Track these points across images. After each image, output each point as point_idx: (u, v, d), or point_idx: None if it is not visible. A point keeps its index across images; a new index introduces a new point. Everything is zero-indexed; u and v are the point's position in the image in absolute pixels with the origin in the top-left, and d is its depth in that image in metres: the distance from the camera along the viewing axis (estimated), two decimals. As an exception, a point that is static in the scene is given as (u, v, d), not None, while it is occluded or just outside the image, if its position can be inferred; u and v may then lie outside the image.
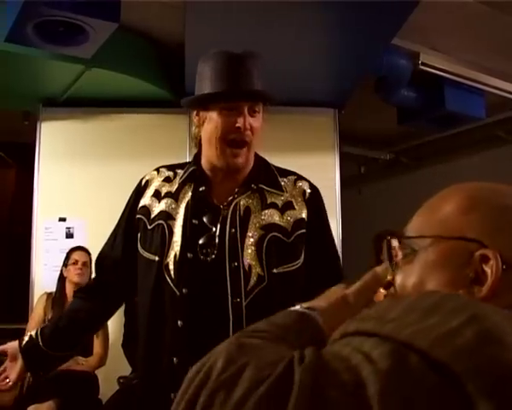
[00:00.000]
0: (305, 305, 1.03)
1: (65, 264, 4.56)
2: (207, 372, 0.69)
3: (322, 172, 5.29)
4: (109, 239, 2.12)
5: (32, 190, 5.20)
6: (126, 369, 4.62)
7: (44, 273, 5.05)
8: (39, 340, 2.02)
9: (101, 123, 5.29)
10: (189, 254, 1.86)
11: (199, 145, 2.00)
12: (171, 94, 5.06)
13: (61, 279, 4.59)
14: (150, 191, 2.01)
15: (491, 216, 0.90)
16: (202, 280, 1.85)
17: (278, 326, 0.89)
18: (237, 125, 1.84)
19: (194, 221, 1.89)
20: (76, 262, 4.54)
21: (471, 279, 0.87)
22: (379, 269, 1.12)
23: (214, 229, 1.87)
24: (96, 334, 4.46)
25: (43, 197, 5.19)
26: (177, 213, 1.91)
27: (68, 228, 5.17)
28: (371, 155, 7.99)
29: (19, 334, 4.70)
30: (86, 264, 4.54)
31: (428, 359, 0.62)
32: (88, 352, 4.43)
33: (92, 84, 4.85)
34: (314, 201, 1.99)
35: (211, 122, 1.88)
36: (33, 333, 2.05)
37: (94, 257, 4.48)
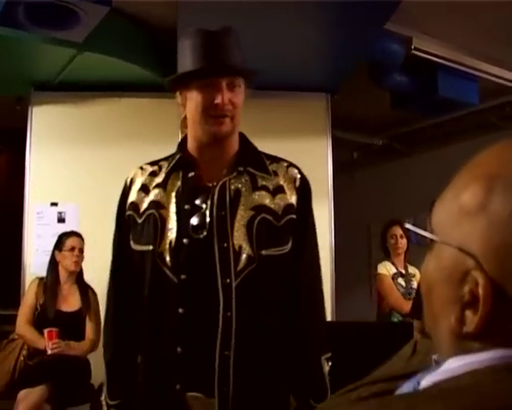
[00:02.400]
0: None
1: (59, 248, 4.51)
2: None
3: (315, 157, 5.29)
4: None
5: (24, 175, 5.18)
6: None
7: (36, 258, 5.05)
8: None
9: (93, 107, 5.26)
10: (184, 240, 1.84)
11: (186, 126, 2.00)
12: (163, 78, 5.03)
13: (54, 263, 4.54)
14: (136, 187, 1.99)
15: (501, 225, 0.75)
16: (197, 263, 1.84)
17: None
18: (216, 101, 1.84)
19: (186, 207, 1.88)
20: (73, 249, 4.49)
21: (466, 302, 0.77)
22: None
23: (205, 206, 1.87)
24: (89, 319, 4.47)
25: (35, 182, 5.18)
26: (168, 201, 1.90)
27: (60, 213, 5.16)
28: (364, 141, 7.98)
29: (10, 320, 4.72)
30: (82, 250, 4.52)
31: None
32: (80, 336, 4.43)
33: (84, 68, 4.83)
34: (304, 190, 1.98)
35: (192, 101, 1.90)
36: None
37: (86, 242, 4.54)
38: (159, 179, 1.96)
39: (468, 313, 0.77)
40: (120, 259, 2.03)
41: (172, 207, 1.89)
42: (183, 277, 1.82)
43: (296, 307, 1.92)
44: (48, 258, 4.60)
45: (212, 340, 1.78)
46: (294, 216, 1.91)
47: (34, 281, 4.56)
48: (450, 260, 0.79)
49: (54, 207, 5.16)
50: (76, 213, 5.14)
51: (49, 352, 4.17)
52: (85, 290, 4.53)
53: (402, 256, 5.18)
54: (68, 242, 4.52)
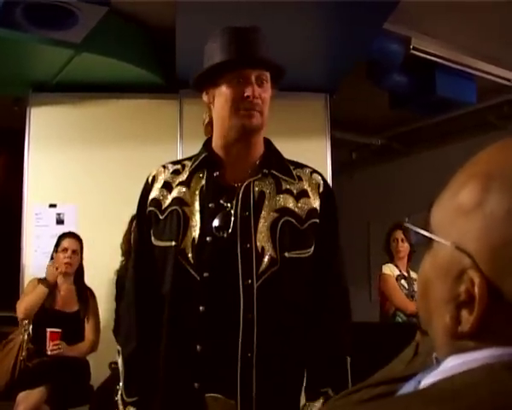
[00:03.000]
0: None
1: (55, 250, 4.52)
2: None
3: (314, 157, 5.28)
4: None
5: (22, 177, 5.18)
6: (118, 355, 4.63)
7: (35, 259, 5.04)
8: None
9: (91, 108, 5.26)
10: (207, 238, 1.83)
11: (210, 130, 1.99)
12: (161, 79, 5.04)
13: (52, 265, 4.54)
14: (158, 184, 1.97)
15: (498, 224, 0.74)
16: (219, 262, 1.83)
17: None
18: (246, 93, 1.83)
19: (210, 205, 1.87)
20: (65, 250, 4.47)
21: (462, 301, 0.77)
22: None
23: (229, 206, 1.86)
24: (87, 319, 4.46)
25: (33, 183, 5.17)
26: (192, 199, 1.89)
27: (59, 214, 5.16)
28: (363, 141, 7.99)
29: (9, 321, 4.71)
30: (76, 252, 4.49)
31: None
32: (79, 338, 4.42)
33: (82, 68, 4.82)
34: (328, 196, 1.98)
35: (220, 96, 1.88)
36: None
37: (84, 243, 4.54)
38: (182, 178, 1.95)
39: (464, 313, 0.77)
40: (142, 254, 1.99)
41: (196, 205, 1.88)
42: (205, 274, 1.81)
43: (320, 308, 1.91)
44: (46, 259, 4.60)
45: (233, 341, 1.77)
46: (318, 221, 1.91)
47: (32, 281, 4.55)
48: (446, 259, 0.79)
49: (52, 209, 5.16)
50: (74, 214, 5.13)
51: (49, 353, 4.16)
52: (84, 292, 4.52)
53: (404, 260, 5.24)
54: (62, 243, 4.51)
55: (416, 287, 5.04)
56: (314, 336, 1.90)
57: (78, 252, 4.50)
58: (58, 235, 4.63)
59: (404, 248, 5.21)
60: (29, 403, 3.96)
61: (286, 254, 1.82)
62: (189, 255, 1.83)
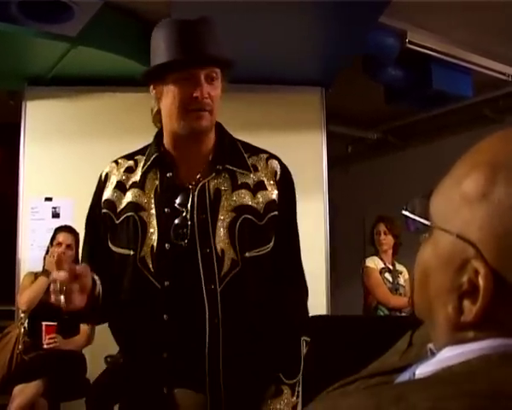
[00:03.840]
0: None
1: (51, 243, 4.52)
2: None
3: (310, 151, 5.29)
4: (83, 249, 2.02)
5: (18, 170, 5.17)
6: (114, 348, 4.62)
7: (31, 253, 5.04)
8: None
9: (87, 102, 5.24)
10: (166, 245, 1.78)
11: (159, 119, 1.92)
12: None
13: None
14: (111, 184, 1.91)
15: (503, 214, 0.74)
16: (180, 269, 1.79)
17: None
18: (195, 94, 1.75)
19: (166, 210, 1.81)
20: (60, 244, 4.47)
21: (464, 291, 0.76)
22: None
23: (185, 212, 1.81)
24: (83, 313, 4.46)
25: (29, 177, 5.17)
26: (148, 203, 1.83)
27: (54, 208, 5.15)
28: (358, 135, 7.99)
29: (5, 315, 4.70)
30: (71, 246, 4.48)
31: None
32: (75, 331, 4.43)
33: (78, 62, 4.81)
34: (285, 182, 1.92)
35: (168, 95, 1.81)
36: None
37: (81, 236, 4.53)
38: (136, 178, 1.88)
39: (466, 303, 0.76)
40: (97, 257, 1.91)
41: (152, 210, 1.82)
42: (166, 283, 1.77)
43: (280, 301, 1.88)
44: (42, 253, 4.60)
45: (199, 345, 1.75)
46: (276, 213, 1.86)
47: (28, 275, 4.55)
48: (448, 248, 0.79)
49: (48, 202, 5.16)
50: (70, 207, 5.12)
51: (45, 346, 4.17)
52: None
53: (389, 252, 5.23)
54: (57, 237, 4.51)
55: (401, 280, 5.08)
56: (275, 328, 1.86)
57: (74, 246, 4.48)
58: (54, 229, 4.63)
59: (387, 240, 5.20)
60: (25, 396, 3.97)
61: (247, 254, 1.79)
62: (150, 264, 1.78)
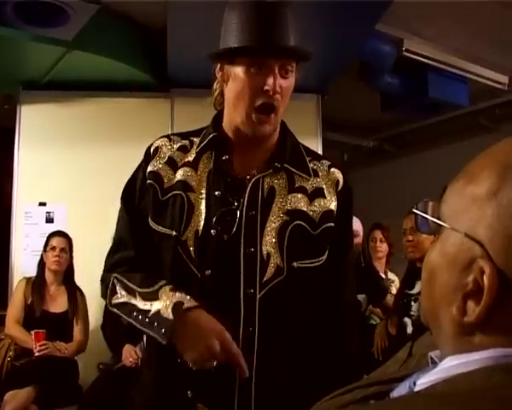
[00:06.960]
0: None
1: (45, 248, 4.52)
2: None
3: (305, 158, 5.28)
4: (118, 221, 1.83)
5: (12, 175, 5.15)
6: (106, 355, 4.60)
7: (24, 258, 5.02)
8: None
9: (82, 106, 5.23)
10: (212, 231, 1.63)
11: (221, 104, 1.76)
12: (153, 77, 5.02)
13: (42, 264, 4.55)
14: (162, 158, 1.75)
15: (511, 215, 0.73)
16: (221, 262, 1.63)
17: None
18: (266, 87, 1.59)
19: (216, 193, 1.67)
20: (54, 248, 4.48)
21: (469, 291, 0.75)
22: None
23: (236, 203, 1.65)
24: (76, 320, 4.44)
25: (23, 182, 5.15)
26: (199, 184, 1.68)
27: (48, 213, 5.13)
28: (354, 142, 7.99)
29: (-2, 319, 4.67)
30: (64, 250, 4.49)
31: None
32: (67, 338, 4.40)
33: (73, 66, 4.79)
34: (346, 195, 1.78)
35: (236, 80, 1.63)
36: None
37: (74, 242, 4.52)
38: (189, 158, 1.73)
39: (470, 303, 0.75)
40: (136, 232, 1.75)
41: (203, 193, 1.68)
42: (207, 272, 1.62)
43: (330, 322, 1.73)
44: (36, 258, 4.60)
45: None
46: (333, 224, 1.71)
47: (22, 281, 4.54)
48: (455, 247, 0.78)
49: (42, 207, 5.14)
50: (64, 213, 5.11)
51: (36, 354, 4.14)
52: (73, 291, 4.51)
53: (383, 260, 5.20)
54: (51, 241, 4.52)
55: (393, 289, 5.05)
56: (322, 352, 1.71)
57: (67, 250, 4.49)
58: (47, 234, 4.62)
59: (383, 248, 5.17)
60: (17, 403, 3.94)
61: (294, 264, 1.63)
62: (191, 249, 1.63)
